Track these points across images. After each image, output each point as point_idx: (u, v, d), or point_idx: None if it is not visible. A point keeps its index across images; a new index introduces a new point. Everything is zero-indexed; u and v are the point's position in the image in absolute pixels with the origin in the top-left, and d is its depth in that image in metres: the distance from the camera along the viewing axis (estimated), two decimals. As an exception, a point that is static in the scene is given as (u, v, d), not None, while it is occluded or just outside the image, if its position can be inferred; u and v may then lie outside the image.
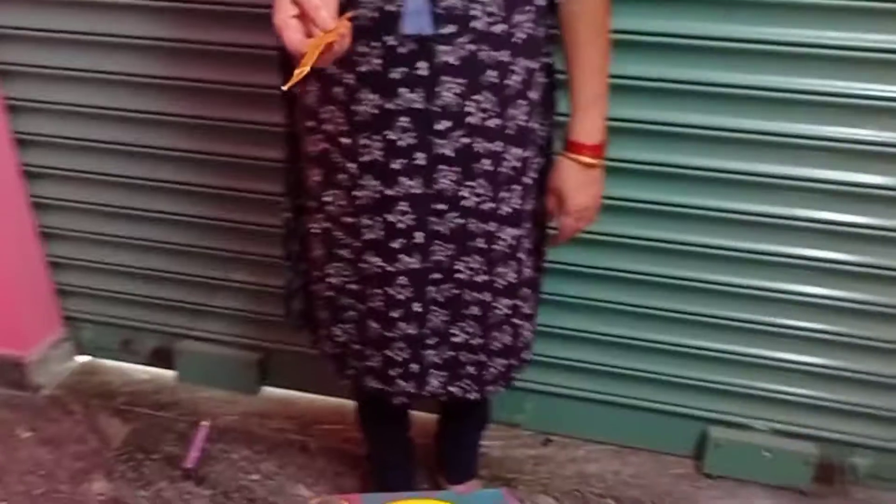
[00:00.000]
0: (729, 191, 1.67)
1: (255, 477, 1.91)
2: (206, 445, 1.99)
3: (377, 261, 1.26)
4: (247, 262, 2.02)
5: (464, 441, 1.81)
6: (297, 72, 0.88)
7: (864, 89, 1.53)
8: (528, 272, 1.38)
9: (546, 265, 1.53)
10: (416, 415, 2.04)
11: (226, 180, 1.92)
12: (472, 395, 1.39)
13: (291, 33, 0.91)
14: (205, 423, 2.04)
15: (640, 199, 1.72)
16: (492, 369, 1.39)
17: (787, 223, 1.67)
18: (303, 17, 0.91)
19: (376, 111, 1.15)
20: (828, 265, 1.69)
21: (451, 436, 1.82)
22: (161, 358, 2.23)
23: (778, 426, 1.88)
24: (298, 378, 2.15)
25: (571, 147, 1.28)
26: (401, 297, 1.28)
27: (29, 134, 2.00)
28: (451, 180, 1.19)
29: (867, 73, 1.52)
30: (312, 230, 1.34)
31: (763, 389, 1.86)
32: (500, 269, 1.30)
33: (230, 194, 1.93)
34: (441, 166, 1.18)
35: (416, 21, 1.09)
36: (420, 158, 1.17)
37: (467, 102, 1.14)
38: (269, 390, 2.20)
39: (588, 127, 1.27)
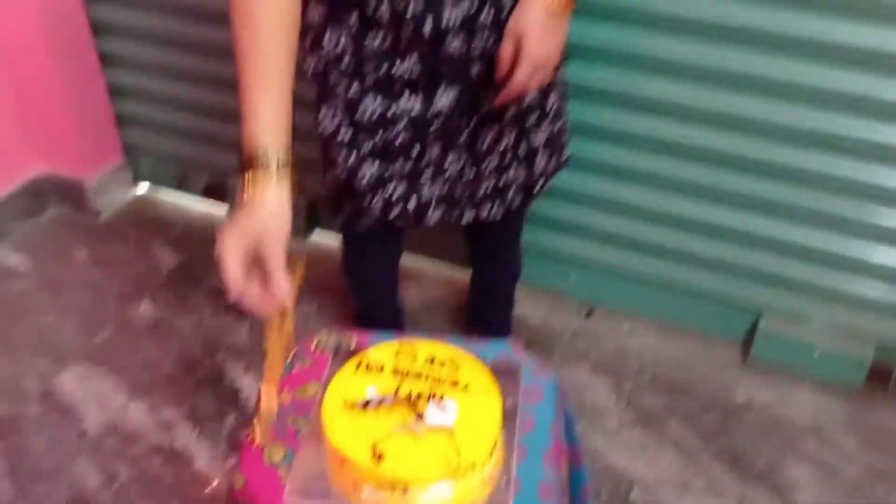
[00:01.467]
0: (820, 61, 1.51)
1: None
2: (251, 282, 2.02)
3: (379, 100, 1.23)
4: (305, 103, 1.96)
5: (494, 293, 1.79)
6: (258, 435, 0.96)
7: None
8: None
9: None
10: (454, 274, 2.02)
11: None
12: (468, 218, 1.40)
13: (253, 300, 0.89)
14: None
15: (711, 67, 1.57)
16: (481, 190, 1.37)
17: (873, 103, 1.51)
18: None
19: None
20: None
21: (481, 287, 1.80)
22: (215, 193, 2.24)
23: (835, 322, 1.78)
24: (347, 226, 2.14)
25: None
26: (399, 138, 1.26)
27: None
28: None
29: None
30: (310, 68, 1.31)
31: (825, 283, 1.74)
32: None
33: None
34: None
35: None
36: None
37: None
38: (319, 235, 2.20)
39: None
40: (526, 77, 1.16)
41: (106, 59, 2.13)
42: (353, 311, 1.80)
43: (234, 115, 2.02)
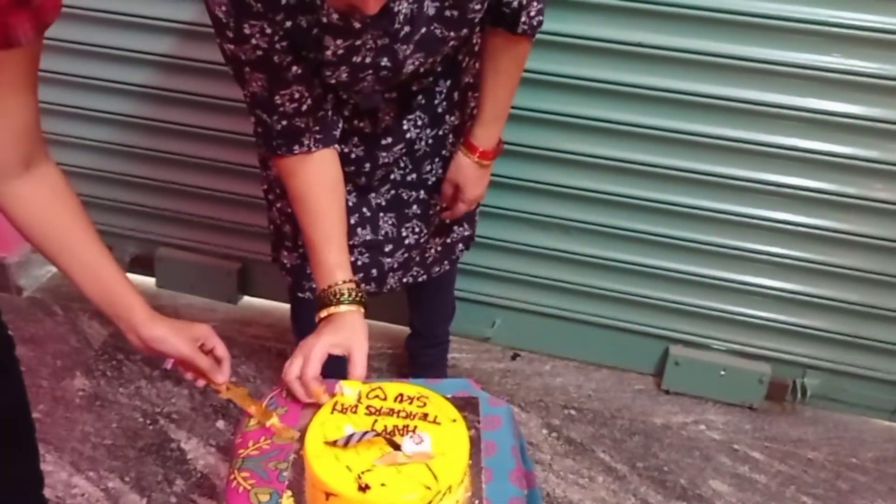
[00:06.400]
0: (697, 113, 1.72)
1: (232, 379, 1.97)
2: (185, 348, 2.05)
3: None
4: (230, 171, 2.05)
5: (432, 335, 1.90)
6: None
7: (834, 17, 1.57)
8: None
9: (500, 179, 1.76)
10: (388, 326, 2.12)
11: (210, 87, 1.94)
12: (422, 278, 1.58)
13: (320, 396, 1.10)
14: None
15: (606, 119, 1.77)
16: (431, 250, 1.56)
17: (756, 148, 1.73)
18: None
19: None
20: (791, 191, 1.76)
21: (420, 333, 1.91)
22: (142, 265, 2.26)
23: (735, 346, 1.98)
24: (277, 288, 2.20)
25: (469, 147, 1.41)
26: (350, 203, 1.40)
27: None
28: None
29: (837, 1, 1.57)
30: None
31: (723, 310, 1.94)
32: (426, 167, 1.43)
33: (214, 102, 1.95)
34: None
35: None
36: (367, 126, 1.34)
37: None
38: (248, 299, 2.25)
39: (486, 135, 1.41)
40: (463, 210, 1.49)
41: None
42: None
43: (159, 187, 2.09)
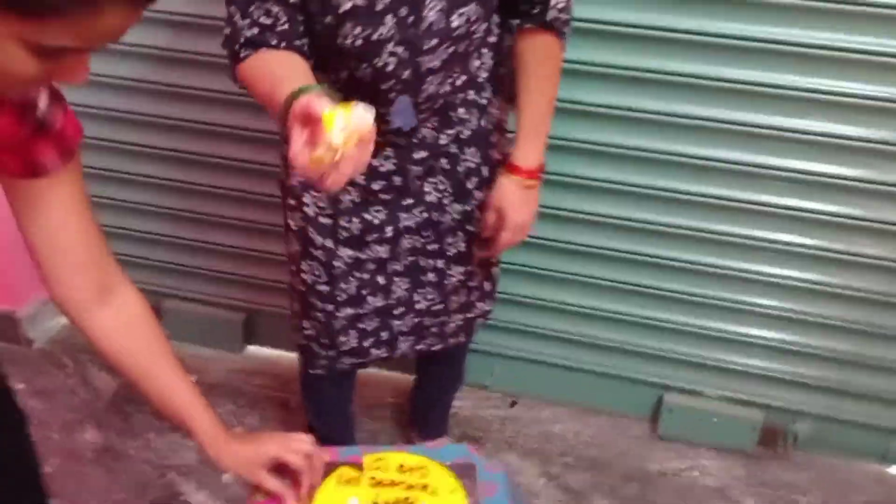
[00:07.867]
0: (690, 135, 1.79)
1: (238, 430, 2.03)
2: (193, 400, 2.10)
3: (349, 252, 1.41)
4: (234, 225, 2.11)
5: (437, 400, 1.95)
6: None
7: (842, 41, 1.60)
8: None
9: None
10: (391, 375, 2.18)
11: (214, 147, 2.01)
12: (437, 347, 1.59)
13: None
14: (191, 379, 2.14)
15: (601, 179, 1.84)
16: (451, 324, 1.57)
17: (746, 207, 1.80)
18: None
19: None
20: (784, 248, 1.83)
21: (425, 395, 1.96)
22: (149, 316, 2.32)
23: (727, 393, 2.03)
24: (282, 338, 2.25)
25: (511, 169, 1.37)
26: (366, 276, 1.44)
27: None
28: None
29: (842, 24, 1.59)
30: (291, 225, 1.44)
31: (715, 359, 2.00)
32: (449, 239, 1.45)
33: (218, 161, 2.02)
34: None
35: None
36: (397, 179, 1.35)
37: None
38: (254, 349, 2.31)
39: (528, 153, 1.37)
40: (508, 241, 1.41)
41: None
42: (308, 423, 1.91)
43: (165, 241, 2.15)
